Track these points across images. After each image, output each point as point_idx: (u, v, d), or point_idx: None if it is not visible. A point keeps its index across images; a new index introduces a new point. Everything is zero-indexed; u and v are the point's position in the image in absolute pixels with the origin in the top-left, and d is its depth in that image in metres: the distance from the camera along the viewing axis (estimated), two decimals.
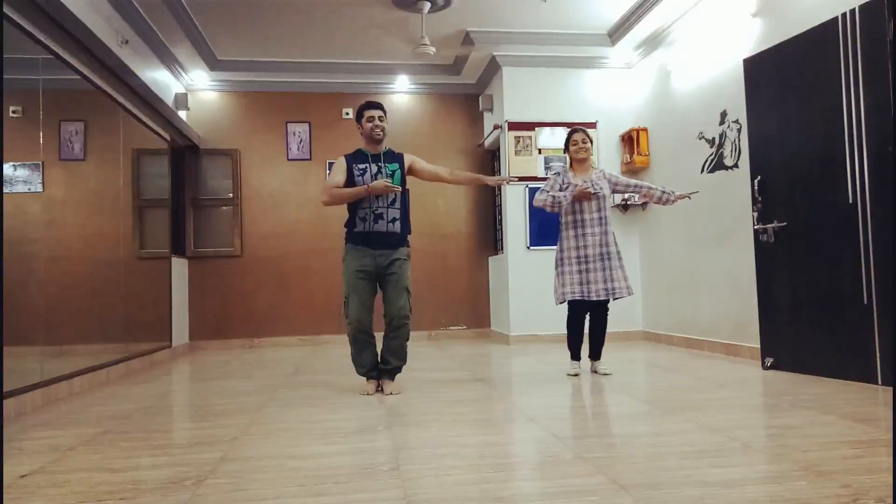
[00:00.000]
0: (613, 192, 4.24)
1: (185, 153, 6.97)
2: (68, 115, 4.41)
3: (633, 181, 4.32)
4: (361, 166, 3.69)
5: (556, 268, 4.18)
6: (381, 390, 3.73)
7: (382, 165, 3.71)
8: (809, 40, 3.94)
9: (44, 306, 3.85)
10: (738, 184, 4.88)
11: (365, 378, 3.76)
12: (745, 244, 4.70)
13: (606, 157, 6.71)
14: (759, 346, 4.36)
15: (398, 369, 3.79)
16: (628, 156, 6.56)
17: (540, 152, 6.61)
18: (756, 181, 4.29)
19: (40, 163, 3.87)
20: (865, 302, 3.59)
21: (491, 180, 3.96)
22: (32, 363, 3.67)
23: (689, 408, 3.08)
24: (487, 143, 7.31)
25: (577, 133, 4.26)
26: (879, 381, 3.51)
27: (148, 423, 3.08)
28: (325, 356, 5.94)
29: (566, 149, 4.33)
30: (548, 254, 6.49)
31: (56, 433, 2.89)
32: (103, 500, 1.93)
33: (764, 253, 4.28)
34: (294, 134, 7.31)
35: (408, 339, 3.76)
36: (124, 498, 1.93)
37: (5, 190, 3.49)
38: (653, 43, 6.23)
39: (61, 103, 4.31)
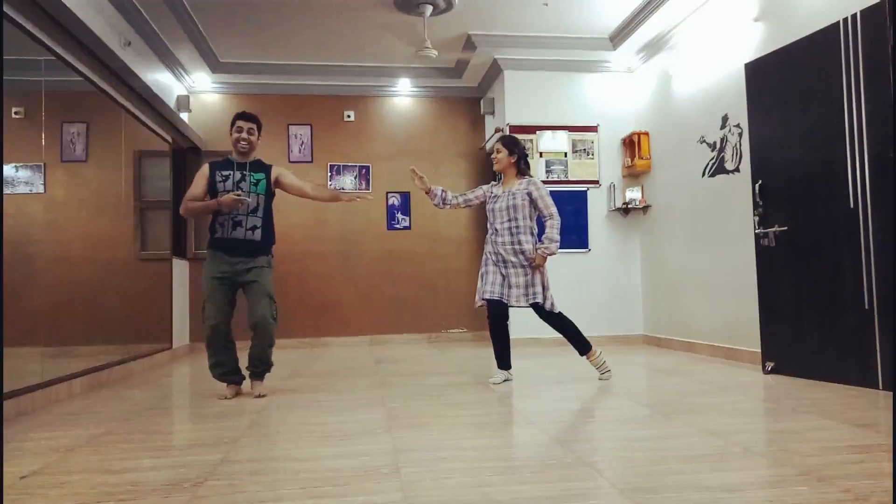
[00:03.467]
0: (534, 207, 4.13)
1: (186, 155, 6.98)
2: (70, 116, 4.42)
3: (541, 208, 4.11)
4: (225, 173, 3.71)
5: (480, 269, 4.17)
6: (252, 389, 3.82)
7: (247, 174, 3.74)
8: (811, 45, 3.95)
9: (44, 307, 3.85)
10: (740, 188, 4.88)
11: (225, 383, 3.78)
12: (746, 248, 4.70)
13: (607, 160, 6.72)
14: (759, 350, 4.36)
15: (263, 373, 3.84)
16: (629, 159, 6.57)
17: (541, 156, 6.62)
18: (757, 185, 4.29)
19: (42, 164, 3.88)
20: (866, 306, 3.59)
21: (346, 196, 3.95)
22: (33, 364, 3.67)
23: (690, 412, 3.07)
24: (488, 146, 7.31)
25: (496, 143, 4.27)
26: (880, 386, 3.51)
27: (148, 425, 3.08)
28: (324, 358, 5.94)
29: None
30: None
31: (56, 434, 2.89)
32: (103, 501, 1.92)
33: (765, 257, 4.28)
34: (296, 136, 7.32)
35: (270, 346, 3.80)
36: (124, 500, 1.93)
37: (7, 191, 3.50)
38: (654, 47, 6.24)
39: (63, 105, 4.32)
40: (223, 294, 3.71)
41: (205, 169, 3.78)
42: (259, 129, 3.85)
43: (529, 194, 4.08)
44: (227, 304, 3.74)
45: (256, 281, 3.70)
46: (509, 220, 4.05)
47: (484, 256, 4.16)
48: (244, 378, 3.83)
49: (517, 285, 4.01)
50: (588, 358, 4.15)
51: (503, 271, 4.04)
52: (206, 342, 3.75)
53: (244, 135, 3.75)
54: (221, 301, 3.70)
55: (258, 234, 3.73)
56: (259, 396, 3.75)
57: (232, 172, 3.72)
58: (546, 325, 4.18)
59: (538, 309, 4.08)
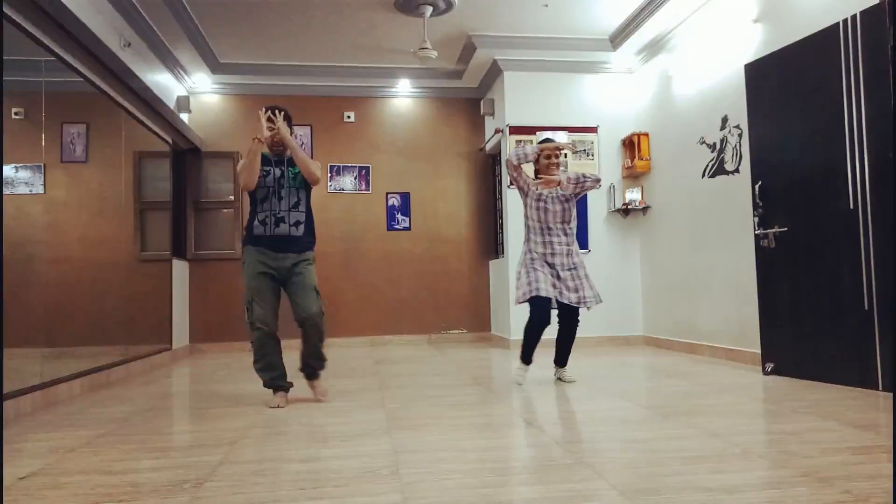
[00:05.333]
0: (576, 194, 4.11)
1: (186, 156, 6.98)
2: (70, 117, 4.42)
3: (584, 184, 4.07)
4: (266, 168, 3.60)
5: (524, 266, 4.09)
6: (313, 391, 3.71)
7: (286, 168, 3.63)
8: (811, 46, 3.95)
9: (44, 308, 3.85)
10: (739, 189, 4.88)
11: (273, 389, 3.57)
12: (745, 249, 4.70)
13: (607, 161, 6.72)
14: (759, 351, 4.36)
15: (320, 368, 3.69)
16: (629, 160, 6.57)
17: None
18: (757, 186, 4.29)
19: (42, 165, 3.88)
20: (866, 307, 3.59)
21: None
22: (32, 365, 3.67)
23: (690, 413, 3.07)
24: (488, 147, 7.31)
25: (551, 143, 4.19)
26: (880, 387, 3.51)
27: (147, 426, 3.08)
28: None
29: (536, 160, 4.18)
30: None
31: (56, 435, 2.89)
32: (102, 502, 1.92)
33: (765, 258, 4.28)
34: (296, 137, 7.29)
35: (322, 340, 3.63)
36: (123, 500, 1.93)
37: (7, 191, 3.50)
38: (654, 48, 6.24)
39: (63, 105, 4.32)
40: (271, 291, 3.52)
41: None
42: (290, 123, 3.71)
43: (573, 182, 4.04)
44: (276, 301, 3.53)
45: (301, 273, 3.52)
46: (563, 222, 4.08)
47: (528, 256, 4.09)
48: (292, 384, 3.65)
49: (568, 288, 4.02)
50: (560, 370, 4.19)
51: (556, 272, 4.03)
52: (256, 344, 3.50)
53: (276, 137, 3.60)
54: (270, 298, 3.51)
55: (301, 229, 3.59)
56: (320, 399, 3.62)
57: (272, 168, 3.60)
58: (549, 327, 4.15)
59: (573, 311, 4.08)
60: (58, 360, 3.99)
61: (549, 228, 4.07)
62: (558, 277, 4.03)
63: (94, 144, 4.69)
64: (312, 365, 3.67)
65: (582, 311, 4.12)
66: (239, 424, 3.02)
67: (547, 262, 4.05)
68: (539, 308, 3.96)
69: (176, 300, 6.48)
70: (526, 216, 4.17)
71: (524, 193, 4.17)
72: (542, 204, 4.09)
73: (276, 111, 3.66)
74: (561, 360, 4.21)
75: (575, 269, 4.07)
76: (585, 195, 6.59)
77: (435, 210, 7.51)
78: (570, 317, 4.11)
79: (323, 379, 3.75)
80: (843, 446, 2.38)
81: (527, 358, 4.14)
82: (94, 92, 4.64)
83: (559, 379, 4.18)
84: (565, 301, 4.00)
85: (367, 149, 7.43)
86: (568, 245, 4.08)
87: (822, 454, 2.27)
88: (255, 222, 3.57)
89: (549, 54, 6.52)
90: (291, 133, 3.73)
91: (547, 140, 4.30)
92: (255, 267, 3.51)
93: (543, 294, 3.93)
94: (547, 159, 4.14)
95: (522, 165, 4.19)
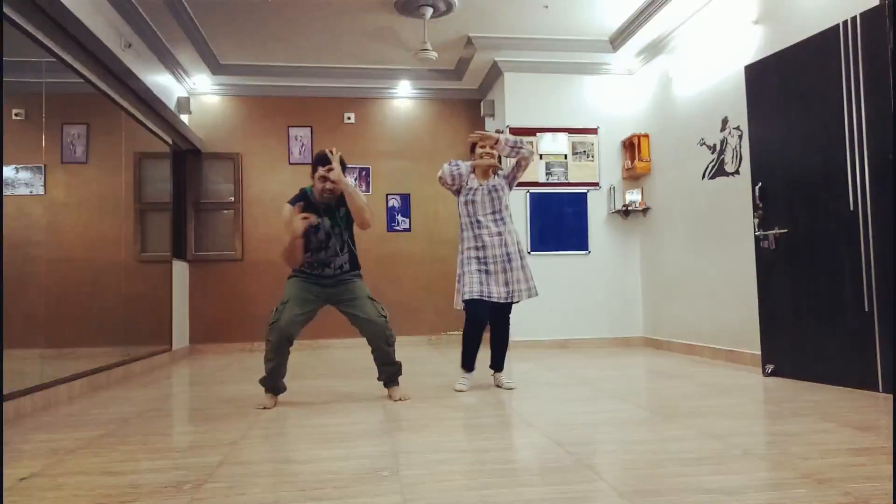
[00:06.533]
0: (510, 183, 4.03)
1: (186, 157, 6.99)
2: (71, 118, 4.42)
3: (515, 165, 3.98)
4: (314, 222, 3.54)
5: (458, 269, 3.98)
6: (390, 397, 3.71)
7: (334, 214, 3.58)
8: (811, 47, 3.95)
9: (44, 309, 3.85)
10: (739, 190, 4.88)
11: (265, 389, 3.59)
12: (746, 251, 4.70)
13: (607, 163, 6.72)
14: (759, 352, 4.36)
15: (396, 374, 3.75)
16: (629, 162, 6.58)
17: (542, 158, 6.62)
18: (757, 188, 4.29)
19: (42, 166, 3.88)
20: (866, 309, 3.59)
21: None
22: (32, 366, 3.67)
23: (690, 414, 3.07)
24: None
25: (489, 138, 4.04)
26: (880, 389, 3.51)
27: (147, 427, 3.08)
28: (325, 360, 5.93)
29: (472, 151, 4.08)
30: (548, 258, 6.52)
31: (55, 436, 2.89)
32: (102, 503, 1.92)
33: (765, 260, 4.28)
34: (296, 138, 7.32)
35: (390, 345, 3.68)
36: (123, 501, 1.93)
37: (7, 192, 3.50)
38: (654, 49, 6.24)
39: (64, 106, 4.32)
40: (307, 305, 3.56)
41: (289, 210, 3.52)
42: (344, 168, 3.58)
43: (505, 177, 4.01)
44: (308, 317, 3.60)
45: (350, 291, 3.66)
46: (493, 212, 3.94)
47: (461, 256, 3.97)
48: (285, 388, 3.67)
49: (497, 283, 3.88)
50: (496, 375, 4.10)
51: (486, 268, 3.89)
52: (273, 344, 3.48)
53: (328, 185, 3.51)
54: (304, 310, 3.54)
55: (346, 267, 3.68)
56: (399, 400, 3.64)
57: (322, 221, 3.56)
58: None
59: (502, 309, 3.96)
60: (58, 361, 3.99)
61: (478, 222, 3.94)
62: (487, 273, 3.89)
63: (94, 145, 4.69)
64: (386, 371, 3.74)
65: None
66: (239, 425, 3.02)
67: (478, 258, 3.91)
68: (471, 307, 3.87)
69: (176, 301, 6.48)
70: (459, 214, 4.06)
71: (458, 193, 4.03)
72: (469, 197, 3.97)
73: (330, 152, 3.53)
74: (496, 363, 4.10)
75: (509, 260, 3.91)
76: (582, 201, 6.62)
77: (435, 211, 7.51)
78: (499, 315, 3.99)
79: (402, 388, 3.76)
80: (844, 448, 2.38)
81: (468, 364, 4.02)
82: (94, 93, 4.65)
83: (497, 386, 4.06)
84: (494, 299, 3.87)
85: (368, 150, 7.43)
86: (500, 234, 3.93)
87: (822, 456, 2.27)
88: (305, 262, 3.62)
89: (550, 55, 6.53)
90: (345, 172, 3.58)
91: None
92: (299, 283, 3.60)
93: (476, 296, 3.83)
94: (481, 158, 3.98)
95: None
